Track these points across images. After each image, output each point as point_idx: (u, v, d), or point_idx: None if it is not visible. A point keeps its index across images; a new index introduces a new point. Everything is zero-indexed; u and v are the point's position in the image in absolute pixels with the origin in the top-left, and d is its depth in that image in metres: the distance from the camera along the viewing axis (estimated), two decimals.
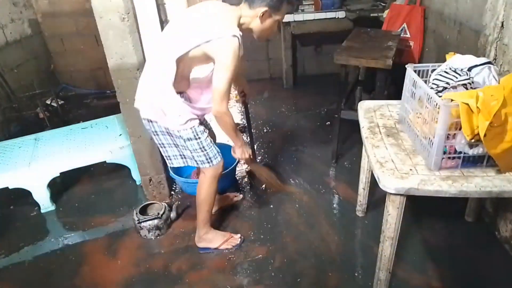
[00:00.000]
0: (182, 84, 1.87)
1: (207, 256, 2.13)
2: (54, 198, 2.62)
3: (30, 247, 2.30)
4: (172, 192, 2.65)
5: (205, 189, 2.03)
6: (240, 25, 1.78)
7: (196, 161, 1.97)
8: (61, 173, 2.53)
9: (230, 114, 1.81)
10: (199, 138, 1.88)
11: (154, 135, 1.96)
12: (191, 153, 1.94)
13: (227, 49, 1.65)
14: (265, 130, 3.49)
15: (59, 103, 4.04)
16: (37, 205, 2.57)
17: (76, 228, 2.43)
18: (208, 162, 1.96)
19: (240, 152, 2.00)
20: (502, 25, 1.89)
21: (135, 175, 2.70)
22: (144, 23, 3.79)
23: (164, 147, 2.01)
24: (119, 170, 2.78)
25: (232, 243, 2.17)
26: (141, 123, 1.95)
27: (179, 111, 1.81)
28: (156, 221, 2.25)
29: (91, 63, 4.47)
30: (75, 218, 2.52)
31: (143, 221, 2.23)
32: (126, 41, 2.09)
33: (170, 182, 2.63)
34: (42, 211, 2.57)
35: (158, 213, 2.27)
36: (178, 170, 2.62)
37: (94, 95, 4.52)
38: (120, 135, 2.70)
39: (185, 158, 2.03)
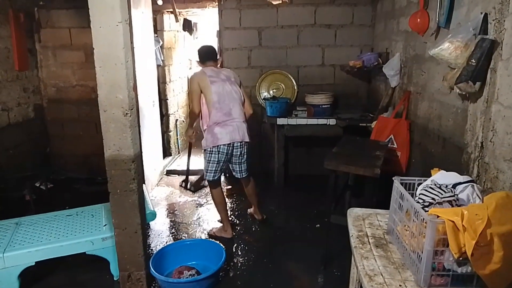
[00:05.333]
0: None
1: None
2: None
3: None
4: None
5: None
6: None
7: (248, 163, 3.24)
8: (36, 262, 2.40)
9: None
10: None
11: (243, 155, 3.13)
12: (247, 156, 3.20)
13: None
14: (253, 229, 3.44)
15: (48, 186, 4.02)
16: None
17: None
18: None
19: (187, 131, 3.27)
20: (482, 145, 2.01)
21: (114, 269, 2.56)
22: (145, 117, 3.99)
23: (246, 160, 3.18)
24: (97, 261, 2.64)
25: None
26: (129, 215, 1.95)
27: None
28: None
29: (87, 148, 4.56)
30: None
31: None
32: (125, 135, 2.17)
33: (150, 280, 2.49)
34: None
35: None
36: (159, 268, 2.51)
37: (84, 181, 4.51)
38: (105, 225, 2.63)
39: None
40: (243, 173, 3.24)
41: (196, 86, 3.01)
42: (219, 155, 3.03)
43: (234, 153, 3.09)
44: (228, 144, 3.01)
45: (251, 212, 3.60)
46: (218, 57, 3.35)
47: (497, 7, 1.84)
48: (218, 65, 3.29)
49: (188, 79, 3.14)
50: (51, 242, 2.46)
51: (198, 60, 3.23)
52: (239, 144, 3.07)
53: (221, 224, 3.31)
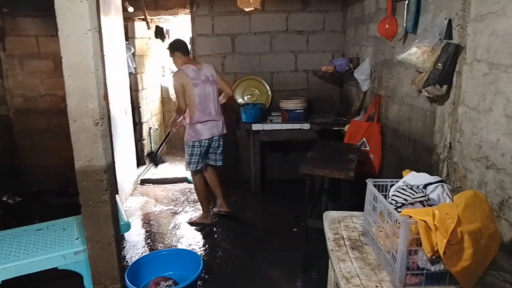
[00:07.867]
0: None
1: None
2: None
3: None
4: None
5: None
6: None
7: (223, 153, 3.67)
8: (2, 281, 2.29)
9: None
10: None
11: (219, 146, 3.58)
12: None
13: None
14: (231, 235, 3.42)
15: (17, 200, 3.86)
16: None
17: None
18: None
19: (173, 122, 3.60)
20: (450, 146, 2.08)
21: (88, 283, 2.47)
22: (118, 126, 3.90)
23: (222, 151, 3.61)
24: (70, 276, 2.53)
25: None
26: (103, 227, 1.91)
27: None
28: None
29: (58, 159, 4.41)
30: None
31: None
32: (96, 145, 2.11)
33: None
34: None
35: None
36: (134, 280, 2.45)
37: (56, 193, 4.36)
38: (77, 238, 2.54)
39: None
40: (218, 162, 3.64)
41: (180, 86, 3.37)
42: (201, 148, 3.47)
43: (212, 145, 3.55)
44: (209, 138, 3.47)
45: (218, 207, 3.77)
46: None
47: (460, 13, 1.92)
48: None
49: (172, 77, 3.49)
50: (20, 259, 2.35)
51: (178, 51, 3.46)
52: (217, 137, 3.54)
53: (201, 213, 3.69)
